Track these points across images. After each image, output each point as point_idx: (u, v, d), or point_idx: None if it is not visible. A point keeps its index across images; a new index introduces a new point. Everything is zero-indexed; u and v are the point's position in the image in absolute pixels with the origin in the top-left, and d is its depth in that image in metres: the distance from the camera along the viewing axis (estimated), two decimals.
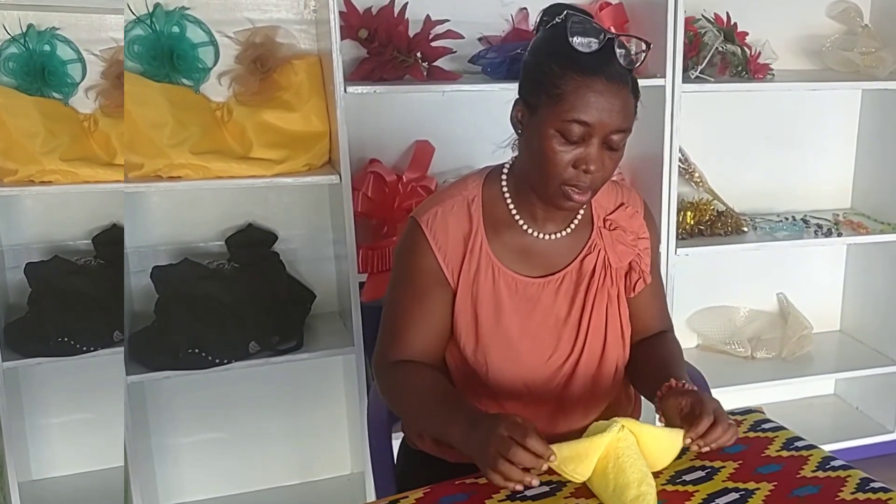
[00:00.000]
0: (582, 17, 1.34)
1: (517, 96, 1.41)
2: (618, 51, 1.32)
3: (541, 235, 1.48)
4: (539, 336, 1.48)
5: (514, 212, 1.47)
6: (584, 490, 1.26)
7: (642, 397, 1.60)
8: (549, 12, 1.40)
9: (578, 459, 1.21)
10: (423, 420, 1.46)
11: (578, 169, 1.33)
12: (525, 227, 1.47)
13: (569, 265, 1.49)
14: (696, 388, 1.37)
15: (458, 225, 1.46)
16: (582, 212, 1.51)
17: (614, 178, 1.49)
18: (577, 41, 1.31)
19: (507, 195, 1.48)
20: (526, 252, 1.48)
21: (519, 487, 1.16)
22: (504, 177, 1.49)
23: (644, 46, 1.40)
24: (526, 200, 1.46)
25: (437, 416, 1.37)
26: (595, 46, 1.31)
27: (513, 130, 1.45)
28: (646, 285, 1.54)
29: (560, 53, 1.32)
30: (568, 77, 1.30)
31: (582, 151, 1.32)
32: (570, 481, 1.26)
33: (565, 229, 1.49)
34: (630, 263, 1.52)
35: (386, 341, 1.50)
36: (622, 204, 1.55)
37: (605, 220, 1.52)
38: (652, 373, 1.48)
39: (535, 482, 1.15)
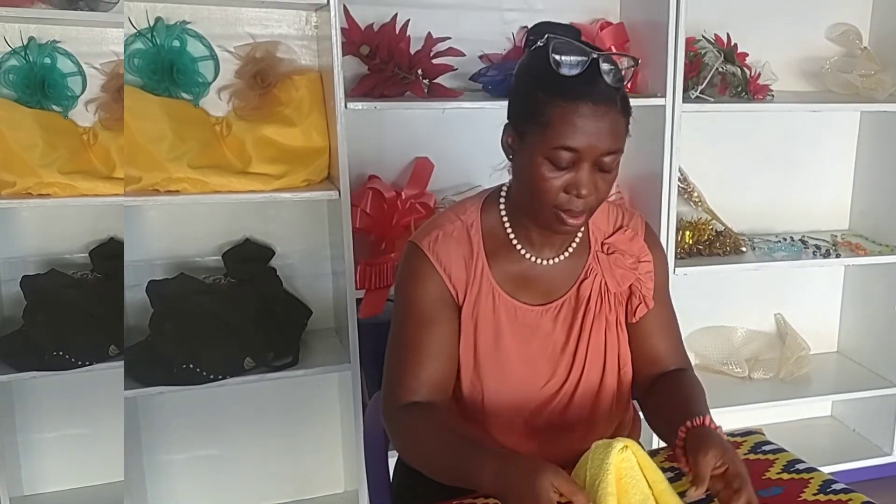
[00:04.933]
0: (565, 40, 1.29)
1: (507, 121, 1.39)
2: (603, 67, 1.28)
3: (539, 261, 1.46)
4: (536, 363, 1.46)
5: (511, 237, 1.45)
6: None
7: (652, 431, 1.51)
8: (535, 32, 1.36)
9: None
10: (443, 467, 1.33)
11: (570, 194, 1.30)
12: (523, 252, 1.45)
13: (567, 292, 1.47)
14: (721, 434, 1.28)
15: (459, 249, 1.44)
16: (579, 236, 1.48)
17: (612, 199, 1.47)
18: (559, 65, 1.28)
19: (505, 220, 1.46)
20: (524, 278, 1.46)
21: None
22: (502, 201, 1.47)
23: (632, 62, 1.37)
24: (523, 225, 1.44)
25: (458, 461, 1.27)
26: (579, 69, 1.27)
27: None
28: (648, 310, 1.49)
29: (544, 79, 1.29)
30: (553, 103, 1.27)
31: (573, 176, 1.29)
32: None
33: (563, 253, 1.47)
34: (630, 287, 1.49)
35: (395, 381, 1.44)
36: (621, 227, 1.51)
37: (602, 244, 1.49)
38: (672, 411, 1.37)
39: None
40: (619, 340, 1.50)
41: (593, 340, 1.47)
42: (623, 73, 1.31)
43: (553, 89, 1.27)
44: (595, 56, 1.28)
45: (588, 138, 1.27)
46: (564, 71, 1.27)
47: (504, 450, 1.29)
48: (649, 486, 1.21)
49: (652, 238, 1.54)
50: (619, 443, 1.21)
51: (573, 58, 1.28)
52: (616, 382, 1.51)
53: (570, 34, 1.32)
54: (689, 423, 1.29)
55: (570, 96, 1.26)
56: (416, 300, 1.43)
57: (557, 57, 1.28)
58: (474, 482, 1.23)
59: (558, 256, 1.47)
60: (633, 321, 1.50)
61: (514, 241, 1.45)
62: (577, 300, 1.47)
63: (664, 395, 1.46)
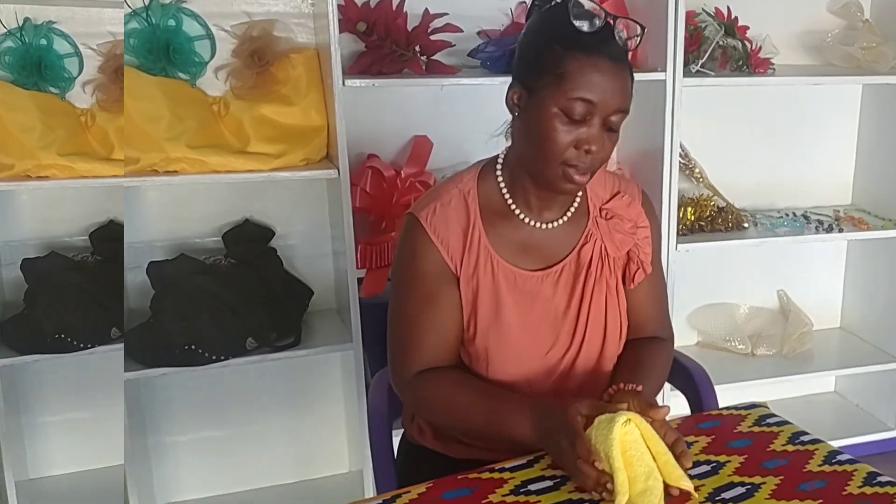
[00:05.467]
0: None
1: (512, 79, 1.40)
2: (616, 32, 1.33)
3: (538, 224, 1.46)
4: (539, 330, 1.47)
5: (509, 201, 1.46)
6: None
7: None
8: None
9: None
10: (474, 426, 1.41)
11: (580, 149, 1.33)
12: (521, 216, 1.46)
13: (566, 256, 1.48)
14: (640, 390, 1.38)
15: (457, 218, 1.44)
16: (578, 201, 1.50)
17: (612, 170, 1.48)
18: (579, 21, 1.31)
19: (502, 185, 1.47)
20: (523, 244, 1.47)
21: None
22: (499, 167, 1.48)
23: (639, 30, 1.39)
24: (521, 188, 1.45)
25: (493, 419, 1.36)
26: (596, 26, 1.31)
27: (506, 121, 1.45)
28: (646, 275, 1.52)
29: (561, 33, 1.32)
30: (571, 56, 1.30)
31: (584, 131, 1.32)
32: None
33: (561, 217, 1.48)
34: (629, 253, 1.51)
35: (400, 356, 1.47)
36: (618, 192, 1.53)
37: (601, 210, 1.51)
38: (618, 373, 1.50)
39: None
40: (620, 305, 1.51)
41: (594, 305, 1.48)
42: (631, 40, 1.36)
43: (572, 43, 1.31)
44: (610, 17, 1.33)
45: (603, 93, 1.30)
46: (584, 27, 1.31)
47: (534, 401, 1.36)
48: (653, 458, 1.20)
49: (648, 205, 1.57)
50: (622, 416, 1.21)
51: (591, 15, 1.32)
52: (617, 347, 1.52)
53: None
54: (620, 385, 1.38)
55: (589, 50, 1.30)
56: (416, 274, 1.44)
57: (577, 13, 1.31)
58: (510, 433, 1.33)
59: (557, 220, 1.48)
60: (632, 287, 1.52)
61: (513, 206, 1.45)
62: (578, 265, 1.48)
63: (622, 358, 1.53)
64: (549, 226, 1.47)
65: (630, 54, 1.37)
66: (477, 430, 1.42)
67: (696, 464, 1.29)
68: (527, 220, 1.46)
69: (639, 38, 1.38)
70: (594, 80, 1.29)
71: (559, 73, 1.30)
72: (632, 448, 1.20)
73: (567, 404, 1.27)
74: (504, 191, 1.46)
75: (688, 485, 1.20)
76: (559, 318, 1.48)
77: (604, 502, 1.19)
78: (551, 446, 1.27)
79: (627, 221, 1.51)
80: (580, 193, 1.50)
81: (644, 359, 1.52)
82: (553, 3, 1.35)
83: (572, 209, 1.49)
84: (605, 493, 1.17)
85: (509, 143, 1.47)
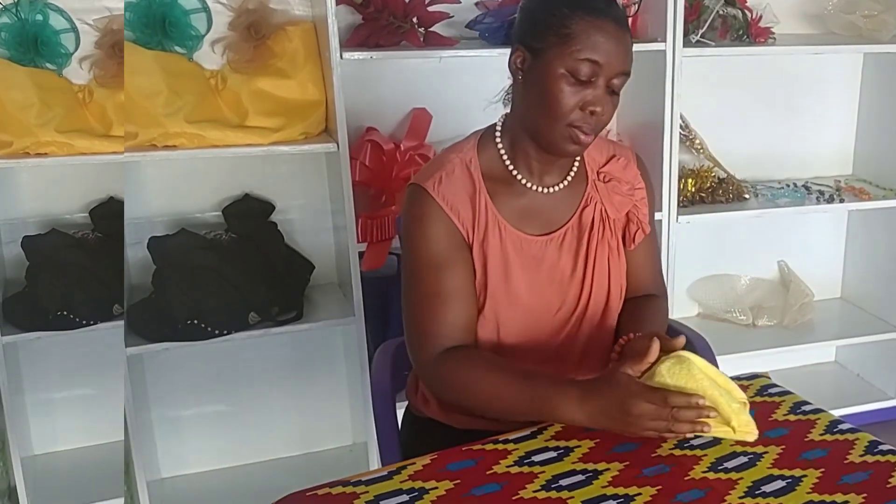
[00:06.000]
0: None
1: (514, 44, 1.41)
2: None
3: (539, 189, 1.48)
4: (546, 293, 1.49)
5: (510, 167, 1.47)
6: (592, 455, 1.25)
7: None
8: None
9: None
10: (508, 405, 1.35)
11: (585, 111, 1.35)
12: (523, 181, 1.47)
13: (569, 221, 1.50)
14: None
15: (463, 187, 1.45)
16: (576, 166, 1.52)
17: (612, 139, 1.49)
18: None
19: (502, 152, 1.48)
20: (526, 209, 1.48)
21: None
22: (498, 134, 1.49)
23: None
24: (522, 154, 1.46)
25: (530, 398, 1.31)
26: None
27: (504, 87, 1.47)
28: (645, 235, 1.55)
29: None
30: (577, 17, 1.32)
31: (589, 93, 1.34)
32: (577, 447, 1.26)
33: (562, 182, 1.50)
34: (627, 214, 1.54)
35: (422, 331, 1.43)
36: (614, 156, 1.56)
37: (598, 173, 1.53)
38: (619, 328, 1.53)
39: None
40: (621, 266, 1.54)
41: (598, 266, 1.51)
42: (629, 7, 1.36)
43: (577, 4, 1.33)
44: None
45: (608, 55, 1.32)
46: None
47: (572, 378, 1.35)
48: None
49: (642, 167, 1.59)
50: (678, 356, 1.25)
51: None
52: (618, 307, 1.56)
53: None
54: (630, 335, 1.42)
55: (595, 12, 1.33)
56: (429, 245, 1.43)
57: None
58: (557, 415, 1.30)
59: (559, 185, 1.50)
60: (632, 247, 1.55)
61: (514, 172, 1.47)
62: (580, 228, 1.50)
63: (623, 315, 1.56)
64: (551, 190, 1.49)
65: (629, 22, 1.38)
66: (513, 413, 1.36)
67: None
68: (528, 184, 1.47)
69: (637, 6, 1.39)
70: (600, 42, 1.32)
71: (566, 33, 1.32)
72: (703, 380, 1.23)
73: (610, 375, 1.26)
74: (504, 157, 1.47)
75: (743, 398, 1.27)
76: (565, 281, 1.50)
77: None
78: (614, 420, 1.23)
79: (625, 183, 1.53)
80: (578, 158, 1.51)
81: (645, 313, 1.55)
82: None
83: (571, 173, 1.51)
84: (704, 427, 1.20)
85: (507, 110, 1.49)
